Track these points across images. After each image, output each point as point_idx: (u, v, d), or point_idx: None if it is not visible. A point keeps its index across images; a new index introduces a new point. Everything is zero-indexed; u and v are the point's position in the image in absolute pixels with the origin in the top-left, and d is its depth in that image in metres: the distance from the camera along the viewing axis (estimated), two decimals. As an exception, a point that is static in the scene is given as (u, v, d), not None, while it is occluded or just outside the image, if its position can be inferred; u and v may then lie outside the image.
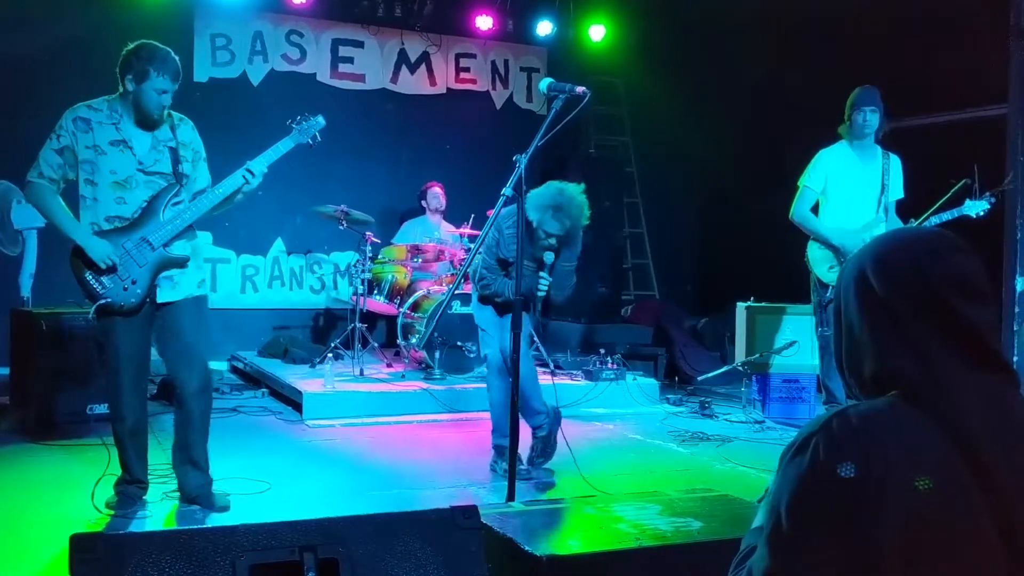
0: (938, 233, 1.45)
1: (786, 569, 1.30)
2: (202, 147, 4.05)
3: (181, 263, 3.88)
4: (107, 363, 3.93)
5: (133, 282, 3.77)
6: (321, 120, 4.10)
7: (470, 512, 2.15)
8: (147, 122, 3.83)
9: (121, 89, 3.81)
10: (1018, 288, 5.45)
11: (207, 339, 4.11)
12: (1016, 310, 5.45)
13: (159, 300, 3.88)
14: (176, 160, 3.88)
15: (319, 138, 4.11)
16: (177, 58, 3.85)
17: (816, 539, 1.27)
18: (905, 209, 5.54)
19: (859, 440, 1.28)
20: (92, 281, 3.74)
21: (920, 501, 1.24)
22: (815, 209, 5.59)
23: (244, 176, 3.87)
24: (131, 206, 3.80)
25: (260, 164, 3.91)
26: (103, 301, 3.74)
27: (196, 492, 3.99)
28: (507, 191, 3.49)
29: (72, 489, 4.17)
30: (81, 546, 1.94)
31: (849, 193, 5.51)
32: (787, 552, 1.30)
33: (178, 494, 4.06)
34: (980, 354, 1.35)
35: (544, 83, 3.65)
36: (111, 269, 3.73)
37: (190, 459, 3.98)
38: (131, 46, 3.81)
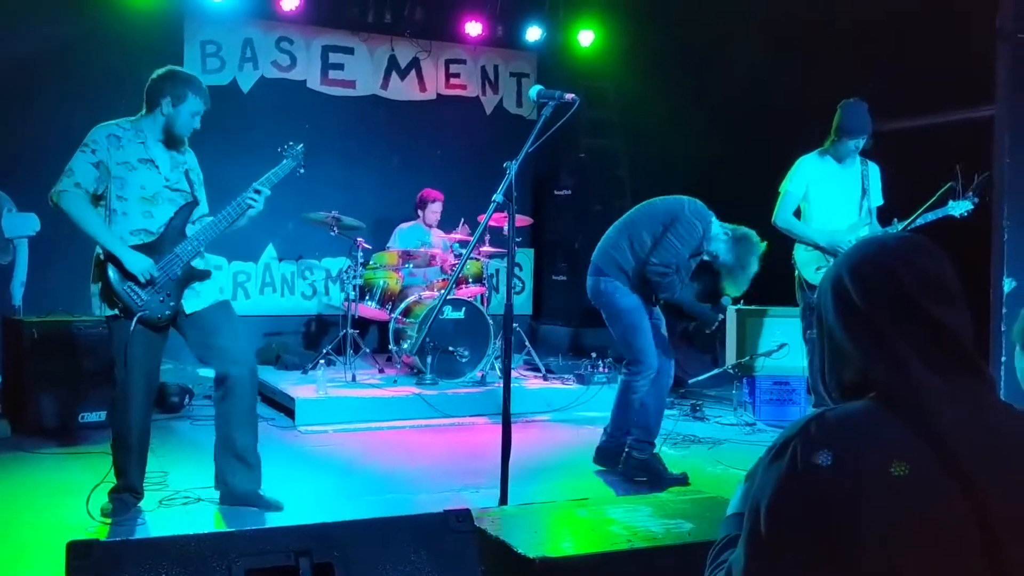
0: (907, 237, 1.46)
1: (764, 572, 1.32)
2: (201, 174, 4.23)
3: (204, 276, 4.04)
4: (118, 373, 3.94)
5: (168, 295, 3.89)
6: (301, 147, 4.24)
7: (463, 516, 2.17)
8: (173, 143, 4.00)
9: (144, 111, 3.98)
10: (1005, 289, 5.49)
11: (243, 336, 4.20)
12: (1004, 311, 5.49)
13: (188, 311, 3.98)
14: (190, 181, 4.08)
15: (303, 164, 4.27)
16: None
17: (794, 542, 1.29)
18: (888, 212, 5.57)
19: (836, 440, 1.30)
20: (130, 294, 3.80)
21: (897, 497, 1.26)
22: (797, 214, 5.62)
23: (251, 199, 4.04)
24: (157, 220, 3.94)
25: (265, 185, 4.08)
26: (142, 314, 3.81)
27: (245, 491, 4.02)
28: (498, 197, 3.51)
29: (66, 497, 4.18)
30: (77, 552, 1.94)
31: (831, 198, 5.52)
32: (766, 555, 1.32)
33: (220, 494, 4.08)
34: (953, 356, 1.37)
35: (534, 90, 3.69)
36: (150, 283, 3.81)
37: (237, 455, 4.01)
38: (162, 71, 3.99)
